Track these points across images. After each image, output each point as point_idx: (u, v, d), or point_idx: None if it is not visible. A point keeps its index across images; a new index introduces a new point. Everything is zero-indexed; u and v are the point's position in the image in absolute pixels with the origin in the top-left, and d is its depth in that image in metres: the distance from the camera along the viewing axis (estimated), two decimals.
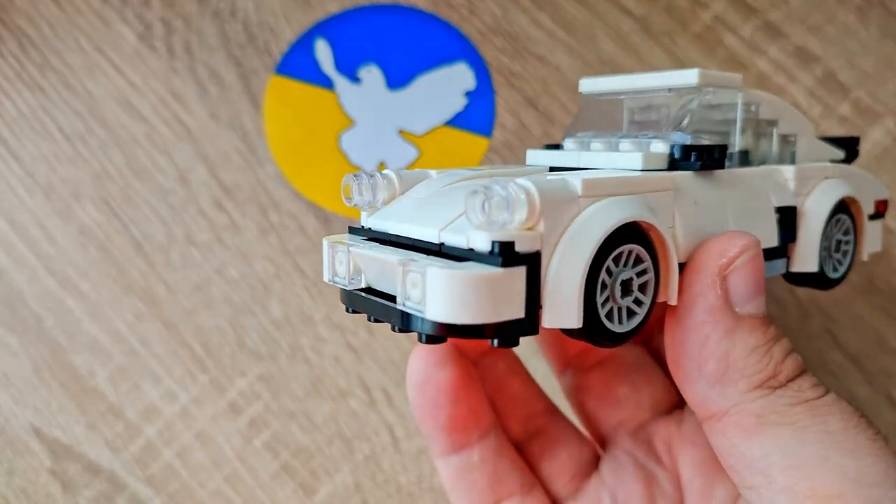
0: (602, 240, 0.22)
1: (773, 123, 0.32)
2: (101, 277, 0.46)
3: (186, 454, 0.44)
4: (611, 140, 0.29)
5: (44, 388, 0.45)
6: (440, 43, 0.46)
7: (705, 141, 0.28)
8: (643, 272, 0.24)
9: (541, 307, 0.22)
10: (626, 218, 0.23)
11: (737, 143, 0.30)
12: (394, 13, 0.47)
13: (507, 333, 0.22)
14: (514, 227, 0.21)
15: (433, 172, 0.28)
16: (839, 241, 0.32)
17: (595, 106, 0.32)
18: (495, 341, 0.22)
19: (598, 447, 0.35)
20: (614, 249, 0.23)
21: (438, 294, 0.21)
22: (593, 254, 0.22)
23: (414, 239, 0.24)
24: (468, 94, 0.46)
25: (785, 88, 0.45)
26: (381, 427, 0.44)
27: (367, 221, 0.27)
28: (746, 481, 0.24)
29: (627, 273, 0.23)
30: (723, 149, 0.27)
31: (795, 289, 0.43)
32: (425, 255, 0.23)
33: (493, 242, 0.21)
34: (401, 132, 0.46)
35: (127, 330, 0.45)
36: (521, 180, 0.22)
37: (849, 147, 0.36)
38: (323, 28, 0.47)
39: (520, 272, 0.21)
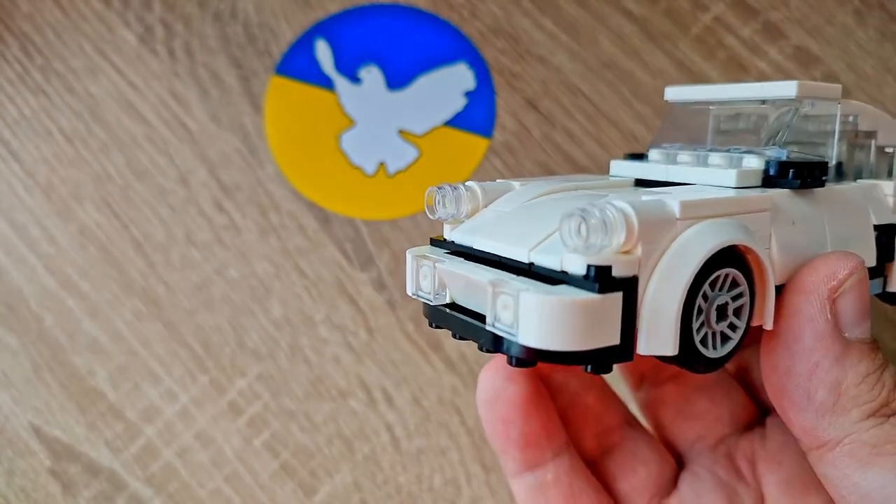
0: (701, 265, 0.21)
1: (871, 135, 0.30)
2: (101, 277, 0.46)
3: (186, 454, 0.44)
4: (699, 153, 0.28)
5: (44, 388, 0.45)
6: (440, 43, 0.46)
7: (800, 156, 0.27)
8: (739, 296, 0.23)
9: (635, 333, 0.21)
10: (725, 242, 0.22)
11: (833, 156, 0.28)
12: (394, 13, 0.47)
13: (601, 360, 0.21)
14: (612, 250, 0.20)
15: (516, 184, 0.27)
16: None
17: (681, 116, 0.31)
18: (588, 367, 0.21)
19: (677, 464, 0.34)
20: (711, 274, 0.22)
21: (532, 319, 0.20)
22: (692, 279, 0.21)
23: (501, 257, 0.24)
24: (468, 94, 0.46)
25: None
26: (381, 427, 0.44)
27: (451, 235, 0.26)
28: None
29: (723, 297, 0.23)
30: (823, 166, 0.26)
31: None
32: (515, 276, 0.22)
33: (590, 266, 0.20)
34: (401, 132, 0.46)
35: (127, 330, 0.45)
36: (618, 202, 0.21)
37: None
38: (323, 28, 0.47)
39: (616, 298, 0.20)
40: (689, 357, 0.22)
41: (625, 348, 0.21)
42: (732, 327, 0.23)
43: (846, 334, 0.24)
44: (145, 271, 0.46)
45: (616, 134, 0.45)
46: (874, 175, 0.31)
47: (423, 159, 0.46)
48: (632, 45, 0.46)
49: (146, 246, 0.46)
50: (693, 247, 0.21)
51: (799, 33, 0.45)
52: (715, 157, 0.27)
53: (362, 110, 0.46)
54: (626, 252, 0.21)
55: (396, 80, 0.46)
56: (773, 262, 0.24)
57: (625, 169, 0.30)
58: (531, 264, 0.22)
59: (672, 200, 0.22)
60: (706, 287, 0.22)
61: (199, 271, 0.46)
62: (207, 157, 0.47)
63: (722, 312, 0.23)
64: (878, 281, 0.29)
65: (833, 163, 0.28)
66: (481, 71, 0.46)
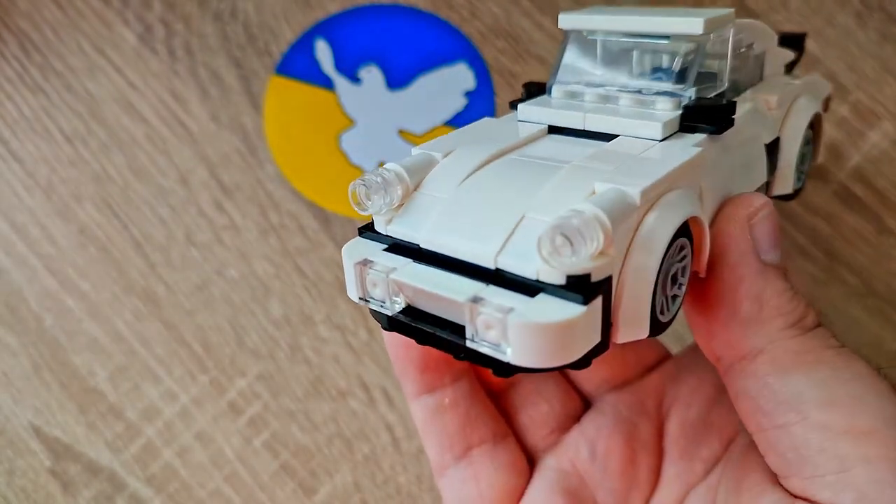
0: (665, 250, 0.22)
1: (750, 47, 0.30)
2: (101, 277, 0.46)
3: (186, 454, 0.44)
4: (607, 93, 0.27)
5: (44, 388, 0.45)
6: (440, 43, 0.46)
7: (711, 100, 0.27)
8: (684, 257, 0.24)
9: (612, 324, 0.22)
10: (682, 220, 0.22)
11: (726, 80, 0.28)
12: (394, 13, 0.47)
13: (584, 359, 0.21)
14: (588, 257, 0.20)
15: (438, 155, 0.26)
16: (804, 154, 0.32)
17: (579, 46, 0.29)
18: (573, 368, 0.21)
19: (583, 404, 0.35)
20: (668, 250, 0.22)
21: (525, 343, 0.20)
22: (659, 266, 0.21)
23: (460, 260, 0.22)
24: (468, 94, 0.46)
25: None
26: (381, 427, 0.44)
27: (387, 229, 0.24)
28: (776, 420, 0.24)
29: (674, 265, 0.23)
30: (732, 107, 0.26)
31: None
32: (481, 282, 0.21)
33: (569, 277, 0.20)
34: (401, 132, 0.46)
35: (127, 330, 0.45)
36: (587, 207, 0.20)
37: (797, 47, 0.36)
38: (323, 28, 0.47)
39: (597, 304, 0.20)
40: (653, 330, 0.23)
41: (604, 342, 0.21)
42: (679, 286, 0.24)
43: (763, 257, 0.26)
44: (145, 271, 0.46)
45: None
46: (750, 83, 0.31)
47: None
48: None
49: (146, 246, 0.46)
50: (656, 234, 0.21)
51: None
52: (625, 100, 0.27)
53: (362, 110, 0.46)
54: (602, 253, 0.20)
55: (396, 80, 0.46)
56: (705, 210, 0.25)
57: (535, 114, 0.28)
58: (497, 269, 0.21)
59: (631, 189, 0.21)
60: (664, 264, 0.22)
61: (199, 271, 0.46)
62: (207, 156, 0.47)
63: (674, 279, 0.23)
64: (762, 189, 0.30)
65: (726, 86, 0.28)
66: (481, 71, 0.46)
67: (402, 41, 0.47)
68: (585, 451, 0.32)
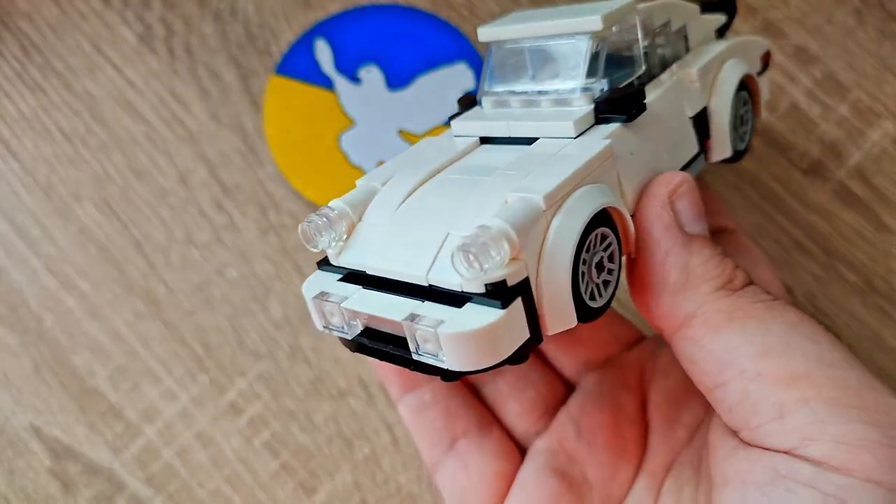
0: (575, 247, 0.23)
1: (666, 25, 0.31)
2: (101, 277, 0.46)
3: (186, 454, 0.44)
4: (529, 98, 0.29)
5: (44, 388, 0.45)
6: (440, 43, 0.46)
7: (621, 89, 0.28)
8: (609, 245, 0.25)
9: (540, 317, 0.24)
10: (589, 216, 0.24)
11: (643, 64, 0.30)
12: (394, 13, 0.47)
13: (519, 354, 0.23)
14: (501, 265, 0.22)
15: (377, 185, 0.28)
16: (741, 116, 0.33)
17: (501, 55, 0.31)
18: (508, 364, 0.23)
19: (566, 388, 0.36)
20: (584, 243, 0.24)
21: (454, 350, 0.22)
22: (572, 260, 0.23)
23: (399, 281, 0.25)
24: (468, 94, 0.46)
25: (784, 88, 0.45)
26: (381, 427, 0.44)
27: (339, 260, 0.27)
28: (717, 379, 0.25)
29: (598, 254, 0.25)
30: (641, 92, 0.28)
31: (792, 287, 0.43)
32: (417, 299, 0.24)
33: (487, 285, 0.22)
34: (401, 132, 0.46)
35: (127, 330, 0.45)
36: (492, 222, 0.22)
37: (727, 9, 0.37)
38: (323, 28, 0.47)
39: (518, 304, 0.22)
40: (584, 317, 0.24)
41: (535, 336, 0.24)
42: (609, 272, 0.26)
43: (687, 229, 0.27)
44: (145, 271, 0.46)
45: None
46: (675, 58, 0.32)
47: None
48: None
49: (146, 246, 0.46)
50: (565, 233, 0.23)
51: (799, 32, 0.45)
52: (546, 105, 0.29)
53: (362, 110, 0.46)
54: (514, 259, 0.22)
55: (396, 80, 0.46)
56: (625, 197, 0.27)
57: (467, 128, 0.30)
58: (430, 286, 0.24)
59: (534, 195, 0.23)
60: (583, 255, 0.24)
61: (199, 271, 0.46)
62: (207, 156, 0.47)
63: (600, 266, 0.25)
64: (700, 158, 0.32)
65: (643, 69, 0.30)
66: (481, 71, 0.46)
67: (402, 41, 0.47)
68: (572, 430, 0.33)
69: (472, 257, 0.21)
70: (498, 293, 0.22)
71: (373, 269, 0.26)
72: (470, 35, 0.46)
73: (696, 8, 0.33)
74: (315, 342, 0.45)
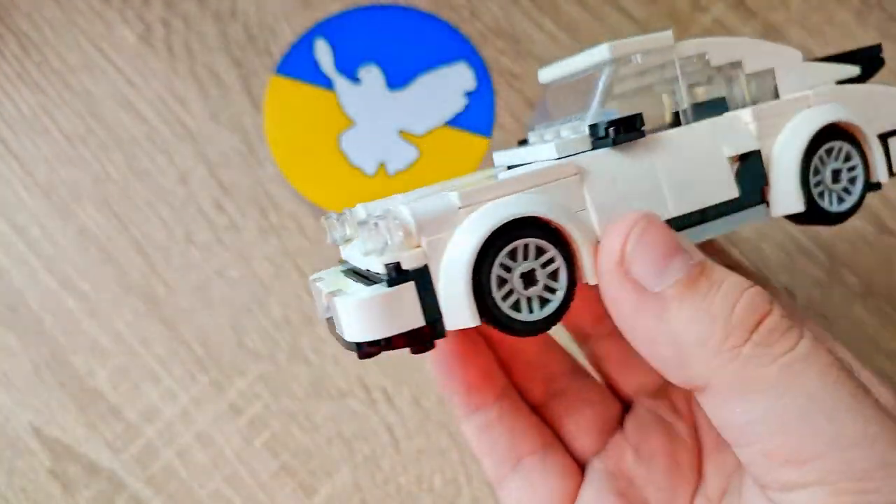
0: (480, 244, 0.24)
1: (736, 66, 0.30)
2: (101, 277, 0.46)
3: (186, 454, 0.44)
4: (558, 129, 0.30)
5: (44, 388, 0.45)
6: (440, 43, 0.46)
7: (625, 112, 0.28)
8: (550, 261, 0.25)
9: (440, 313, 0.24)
10: (503, 219, 0.24)
11: (684, 100, 0.29)
12: (394, 13, 0.47)
13: (416, 342, 0.24)
14: (398, 248, 0.24)
15: (400, 196, 0.30)
16: (837, 171, 0.30)
17: (551, 95, 0.33)
18: (407, 350, 0.24)
19: (622, 408, 0.36)
20: (505, 247, 0.24)
21: (345, 319, 0.24)
22: (474, 258, 0.24)
23: (359, 268, 0.27)
24: (468, 94, 0.46)
25: None
26: (380, 427, 0.44)
27: (343, 254, 0.30)
28: (731, 439, 0.24)
29: (528, 265, 0.25)
30: (632, 119, 0.27)
31: (795, 290, 0.43)
32: (360, 283, 0.26)
33: (385, 265, 0.24)
34: (401, 132, 0.46)
35: (127, 330, 0.45)
36: (399, 208, 0.24)
37: (866, 60, 0.33)
38: (323, 28, 0.47)
39: (409, 287, 0.24)
40: (503, 324, 0.25)
41: (434, 327, 0.24)
42: (551, 290, 0.25)
43: (657, 289, 0.24)
44: (145, 271, 0.46)
45: None
46: (755, 101, 0.31)
47: (424, 159, 0.46)
48: None
49: (146, 246, 0.46)
50: (471, 230, 0.24)
51: (799, 33, 0.45)
52: (566, 132, 0.29)
53: (362, 110, 0.46)
54: (418, 246, 0.24)
55: (396, 80, 0.46)
56: (590, 222, 0.26)
57: (503, 158, 0.32)
58: (367, 270, 0.26)
59: (454, 193, 0.24)
60: (504, 260, 0.24)
61: (199, 271, 0.46)
62: (207, 156, 0.47)
63: (530, 279, 0.25)
64: (761, 208, 0.29)
65: (685, 107, 0.29)
66: (481, 71, 0.46)
67: (402, 41, 0.47)
68: (630, 452, 0.33)
69: (366, 234, 0.24)
70: (390, 272, 0.23)
71: (350, 259, 0.29)
72: (470, 35, 0.46)
73: (794, 53, 0.31)
74: (315, 342, 0.45)
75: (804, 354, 0.23)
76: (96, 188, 0.47)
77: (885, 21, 0.45)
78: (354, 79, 0.47)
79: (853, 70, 0.32)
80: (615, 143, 0.27)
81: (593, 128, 0.27)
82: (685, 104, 0.30)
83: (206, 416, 0.44)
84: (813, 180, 0.29)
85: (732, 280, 0.24)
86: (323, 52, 0.47)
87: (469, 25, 0.47)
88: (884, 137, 0.31)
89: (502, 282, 0.24)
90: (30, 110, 0.48)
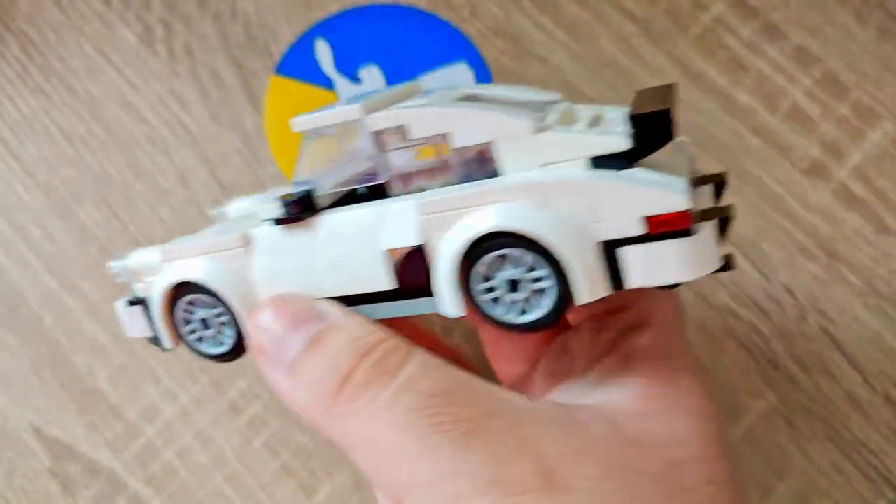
0: (163, 293, 0.31)
1: (445, 137, 0.26)
2: (101, 277, 0.46)
3: (186, 454, 0.44)
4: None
5: (44, 388, 0.45)
6: (440, 43, 0.46)
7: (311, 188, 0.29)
8: (220, 314, 0.30)
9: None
10: (172, 282, 0.30)
11: (384, 173, 0.27)
12: (394, 13, 0.47)
13: (158, 345, 0.33)
14: (138, 283, 0.32)
15: None
16: (515, 281, 0.25)
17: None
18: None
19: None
20: (181, 298, 0.31)
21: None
22: (163, 302, 0.31)
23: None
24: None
25: (785, 89, 0.45)
26: None
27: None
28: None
29: (203, 313, 0.31)
30: (303, 199, 0.28)
31: (794, 289, 0.43)
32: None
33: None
34: None
35: None
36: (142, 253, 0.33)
37: (645, 126, 0.24)
38: (323, 28, 0.47)
39: (137, 309, 0.32)
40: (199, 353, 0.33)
41: (157, 340, 0.33)
42: (217, 342, 0.32)
43: (293, 367, 0.26)
44: None
45: None
46: (464, 180, 0.27)
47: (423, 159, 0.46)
48: (632, 45, 0.46)
49: (146, 246, 0.46)
50: (160, 282, 0.31)
51: (799, 33, 0.45)
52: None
53: None
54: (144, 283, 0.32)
55: (396, 80, 0.46)
56: (254, 291, 0.29)
57: (239, 204, 0.38)
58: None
59: (159, 248, 0.32)
60: (186, 307, 0.31)
61: None
62: (207, 156, 0.47)
63: (206, 325, 0.31)
64: (431, 300, 0.27)
65: (384, 180, 0.28)
66: (481, 71, 0.46)
67: (402, 41, 0.47)
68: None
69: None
70: (130, 300, 0.33)
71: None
72: (470, 35, 0.46)
73: (521, 123, 0.25)
74: None
75: (383, 404, 0.24)
76: (96, 188, 0.47)
77: (885, 20, 0.45)
78: (355, 79, 0.47)
79: (618, 143, 0.24)
80: (281, 222, 0.28)
81: (282, 200, 0.28)
82: (385, 177, 0.28)
83: (206, 416, 0.44)
84: (481, 286, 0.26)
85: (331, 349, 0.26)
86: (323, 52, 0.47)
87: (469, 25, 0.47)
88: (611, 245, 0.24)
89: (187, 322, 0.31)
90: (31, 112, 0.48)
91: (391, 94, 0.29)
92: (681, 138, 0.27)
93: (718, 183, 0.29)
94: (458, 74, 0.46)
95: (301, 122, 0.29)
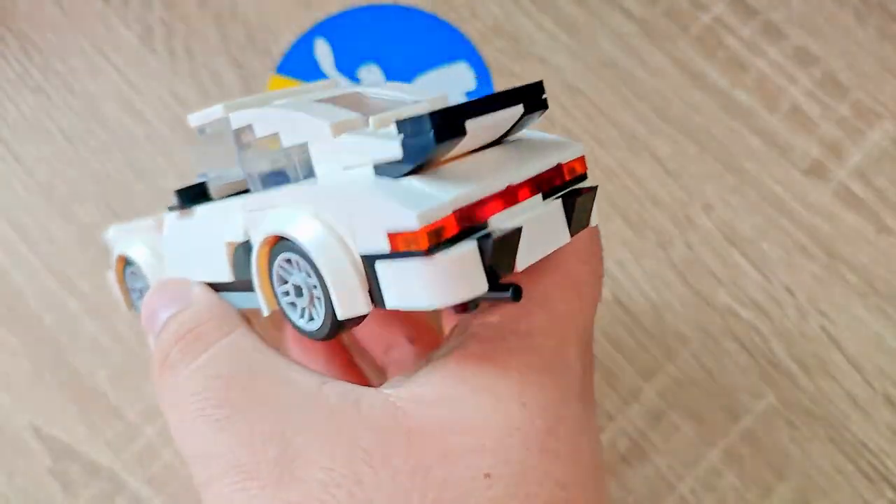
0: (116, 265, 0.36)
1: (276, 137, 0.26)
2: (101, 277, 0.46)
3: None
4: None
5: (44, 388, 0.45)
6: (440, 43, 0.46)
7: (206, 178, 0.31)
8: (142, 288, 0.35)
9: None
10: (118, 254, 0.35)
11: (242, 170, 0.27)
12: (394, 13, 0.47)
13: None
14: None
15: None
16: (299, 287, 0.25)
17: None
18: None
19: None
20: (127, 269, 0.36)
21: None
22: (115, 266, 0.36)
23: None
24: (468, 94, 0.46)
25: (785, 89, 0.45)
26: None
27: None
28: None
29: (140, 284, 0.35)
30: (190, 189, 0.30)
31: (794, 288, 0.43)
32: None
33: None
34: None
35: (127, 330, 0.45)
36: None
37: (409, 131, 0.22)
38: (323, 28, 0.47)
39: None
40: None
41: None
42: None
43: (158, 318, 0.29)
44: None
45: (615, 133, 0.45)
46: (306, 177, 0.26)
47: None
48: (632, 45, 0.46)
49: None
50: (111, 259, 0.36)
51: (799, 33, 0.45)
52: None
53: None
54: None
55: (396, 79, 0.46)
56: (165, 269, 0.33)
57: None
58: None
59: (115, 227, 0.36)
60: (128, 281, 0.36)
61: None
62: None
63: (141, 294, 0.35)
64: (249, 295, 0.28)
65: (245, 176, 0.27)
66: (481, 71, 0.46)
67: (402, 41, 0.47)
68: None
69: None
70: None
71: None
72: (470, 35, 0.46)
73: (321, 125, 0.24)
74: None
75: (176, 384, 0.26)
76: (96, 188, 0.47)
77: (885, 20, 0.45)
78: (355, 79, 0.47)
79: (393, 149, 0.22)
80: (170, 210, 0.31)
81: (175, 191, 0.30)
82: (244, 174, 0.27)
83: None
84: (281, 289, 0.26)
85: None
86: (323, 52, 0.47)
87: (469, 25, 0.47)
88: (371, 260, 0.23)
89: (131, 289, 0.36)
90: (31, 112, 0.48)
91: (278, 94, 0.29)
92: (525, 132, 0.26)
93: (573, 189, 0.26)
94: (458, 74, 0.46)
95: (191, 119, 0.29)
